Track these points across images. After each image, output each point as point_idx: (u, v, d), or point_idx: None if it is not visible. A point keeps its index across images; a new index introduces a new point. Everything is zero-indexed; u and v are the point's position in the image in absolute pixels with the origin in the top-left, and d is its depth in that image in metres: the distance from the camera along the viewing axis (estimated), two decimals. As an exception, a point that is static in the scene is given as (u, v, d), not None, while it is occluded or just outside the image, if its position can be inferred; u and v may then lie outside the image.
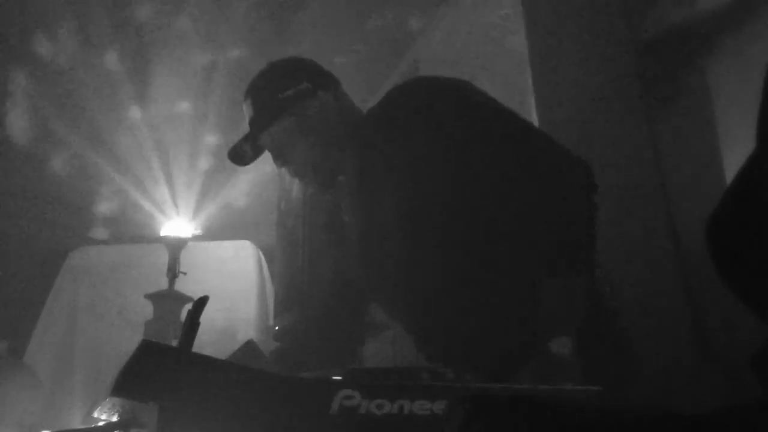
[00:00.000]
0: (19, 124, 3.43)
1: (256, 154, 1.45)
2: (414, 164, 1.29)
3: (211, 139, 3.59)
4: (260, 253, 3.65)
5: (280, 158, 1.44)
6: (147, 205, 3.58)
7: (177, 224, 2.77)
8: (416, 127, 1.30)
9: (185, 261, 2.61)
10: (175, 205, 3.53)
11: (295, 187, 2.61)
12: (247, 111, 1.45)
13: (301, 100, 1.40)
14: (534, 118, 2.19)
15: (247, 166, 1.49)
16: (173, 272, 2.54)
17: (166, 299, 2.49)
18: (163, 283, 2.55)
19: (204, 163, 3.64)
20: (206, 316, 0.96)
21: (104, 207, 3.82)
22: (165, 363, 0.84)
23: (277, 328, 2.69)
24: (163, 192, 3.59)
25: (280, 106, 1.39)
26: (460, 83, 1.36)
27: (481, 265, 1.26)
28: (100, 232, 3.88)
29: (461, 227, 1.26)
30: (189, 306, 0.99)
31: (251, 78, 1.48)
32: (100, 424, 1.06)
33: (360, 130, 1.41)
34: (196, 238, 2.86)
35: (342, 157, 1.40)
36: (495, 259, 1.26)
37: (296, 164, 1.43)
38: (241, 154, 1.44)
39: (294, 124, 1.40)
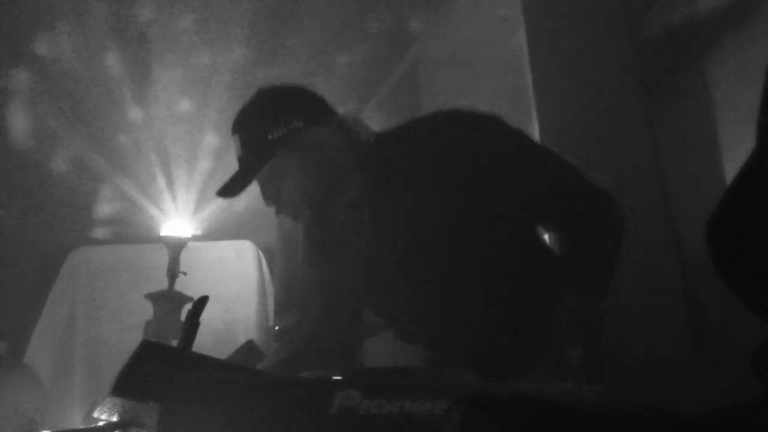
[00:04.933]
0: (18, 124, 3.44)
1: (244, 186, 1.40)
2: (439, 189, 1.30)
3: (211, 139, 3.59)
4: (260, 253, 3.65)
5: (271, 197, 1.41)
6: (147, 205, 3.58)
7: (177, 224, 2.77)
8: (446, 155, 1.31)
9: (185, 261, 2.61)
10: (175, 205, 3.53)
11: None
12: (235, 147, 1.40)
13: (293, 139, 1.36)
14: (534, 118, 2.19)
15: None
16: (173, 272, 2.54)
17: (166, 299, 2.48)
18: (163, 283, 2.55)
19: (204, 163, 3.64)
20: (206, 316, 0.96)
21: (104, 207, 3.82)
22: (165, 363, 0.84)
23: (277, 328, 2.69)
24: (163, 192, 3.59)
25: (272, 147, 1.35)
26: (495, 118, 1.36)
27: (502, 278, 1.29)
28: (100, 232, 3.88)
29: (485, 247, 1.29)
30: (189, 306, 0.99)
31: (242, 105, 1.43)
32: (100, 424, 1.06)
33: (375, 151, 1.40)
34: (196, 238, 2.86)
35: (338, 182, 1.38)
36: (518, 274, 1.29)
37: (287, 200, 1.40)
38: (229, 189, 1.41)
39: (285, 162, 1.36)
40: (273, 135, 1.35)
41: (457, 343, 1.31)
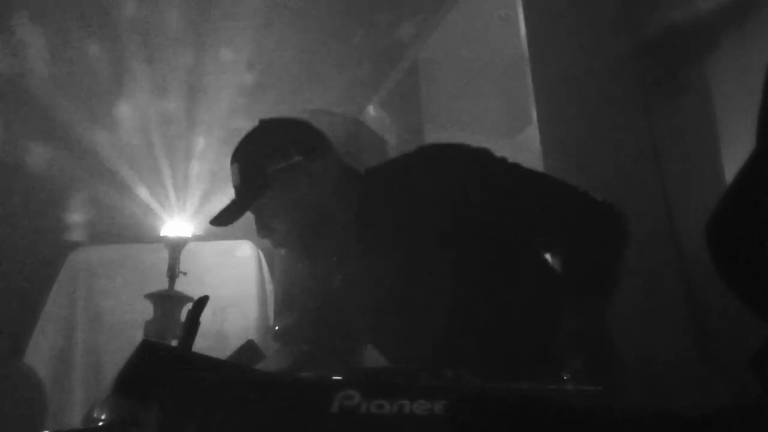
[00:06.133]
0: (16, 122, 3.44)
1: (238, 216, 1.43)
2: (433, 209, 1.30)
3: (212, 139, 3.59)
4: (260, 253, 3.65)
5: (264, 230, 1.42)
6: (147, 205, 3.58)
7: (177, 224, 2.77)
8: (439, 178, 1.31)
9: (185, 261, 2.61)
10: (175, 205, 3.53)
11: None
12: (233, 177, 1.42)
13: (292, 173, 1.37)
14: (534, 118, 2.20)
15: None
16: (173, 272, 2.54)
17: (166, 299, 2.48)
18: (163, 283, 2.55)
19: (205, 162, 3.64)
20: (206, 316, 0.96)
21: (104, 207, 3.82)
22: (165, 363, 0.84)
23: (277, 328, 2.69)
24: (163, 192, 3.59)
25: (269, 180, 1.37)
26: (485, 148, 1.37)
27: (503, 284, 1.30)
28: (98, 232, 3.87)
29: (486, 254, 1.30)
30: (189, 306, 0.99)
31: (241, 139, 1.44)
32: (100, 424, 1.06)
33: (369, 185, 1.41)
34: (196, 238, 2.86)
35: (330, 216, 1.39)
36: (518, 279, 1.31)
37: (281, 233, 1.41)
38: (223, 218, 1.42)
39: (282, 196, 1.37)
40: (271, 167, 1.36)
41: (457, 345, 1.31)
